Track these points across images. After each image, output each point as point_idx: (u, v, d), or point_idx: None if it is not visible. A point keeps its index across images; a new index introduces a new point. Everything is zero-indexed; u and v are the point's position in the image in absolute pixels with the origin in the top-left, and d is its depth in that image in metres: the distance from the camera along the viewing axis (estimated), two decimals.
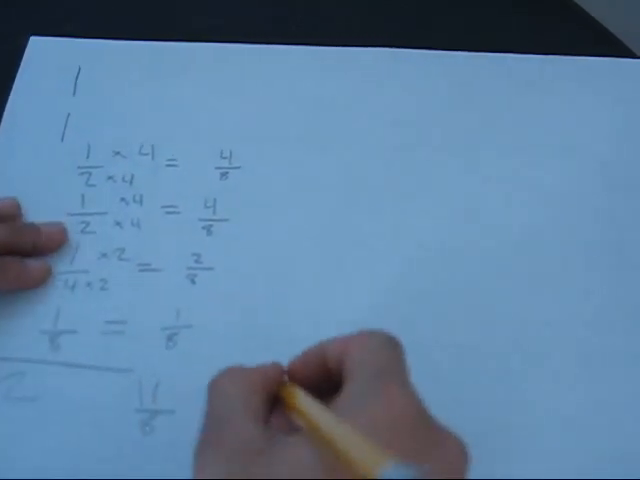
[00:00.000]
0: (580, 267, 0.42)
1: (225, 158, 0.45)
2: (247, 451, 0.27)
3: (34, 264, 0.40)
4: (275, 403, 0.30)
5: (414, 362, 0.37)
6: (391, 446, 0.25)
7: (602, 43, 0.52)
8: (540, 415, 0.37)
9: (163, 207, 0.43)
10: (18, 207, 0.42)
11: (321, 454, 0.26)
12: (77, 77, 0.48)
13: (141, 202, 0.43)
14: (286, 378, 0.32)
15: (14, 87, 0.48)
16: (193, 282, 0.41)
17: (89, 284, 0.40)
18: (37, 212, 0.42)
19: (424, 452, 0.27)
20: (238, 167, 0.45)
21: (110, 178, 0.44)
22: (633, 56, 0.52)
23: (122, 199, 0.44)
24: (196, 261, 0.41)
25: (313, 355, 0.32)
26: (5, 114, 0.46)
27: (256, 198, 0.44)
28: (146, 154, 0.45)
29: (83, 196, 0.44)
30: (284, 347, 0.38)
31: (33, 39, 0.50)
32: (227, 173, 0.45)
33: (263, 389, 0.30)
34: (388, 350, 0.30)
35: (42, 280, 0.40)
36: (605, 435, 0.37)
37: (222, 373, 0.30)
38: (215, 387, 0.30)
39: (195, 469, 0.27)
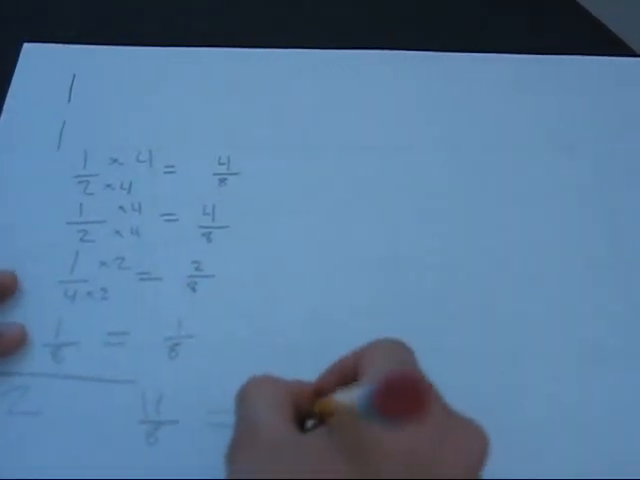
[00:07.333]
0: (578, 265, 0.42)
1: (223, 164, 0.45)
2: (280, 450, 0.28)
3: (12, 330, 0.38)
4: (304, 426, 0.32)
5: None
6: (410, 432, 0.26)
7: (602, 42, 0.52)
8: (541, 414, 0.38)
9: (162, 215, 0.43)
10: (16, 281, 0.40)
11: (345, 442, 0.27)
12: (72, 84, 0.48)
13: (140, 210, 0.43)
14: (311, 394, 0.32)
15: (8, 95, 0.47)
16: (194, 290, 0.41)
17: (89, 294, 0.40)
18: (35, 222, 0.42)
19: (445, 436, 0.27)
20: (237, 173, 0.45)
21: (108, 186, 0.44)
22: (633, 54, 0.52)
23: (120, 207, 0.43)
24: (196, 269, 0.41)
25: (334, 370, 0.33)
26: (0, 123, 0.46)
27: (255, 204, 0.44)
28: (144, 161, 0.45)
29: (81, 205, 0.43)
30: (285, 354, 0.39)
31: (27, 46, 0.49)
32: (225, 179, 0.45)
33: (291, 398, 0.31)
34: (401, 350, 0.31)
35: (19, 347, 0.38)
36: (605, 433, 0.37)
37: (252, 381, 0.32)
38: (246, 394, 0.31)
39: (229, 472, 0.29)
